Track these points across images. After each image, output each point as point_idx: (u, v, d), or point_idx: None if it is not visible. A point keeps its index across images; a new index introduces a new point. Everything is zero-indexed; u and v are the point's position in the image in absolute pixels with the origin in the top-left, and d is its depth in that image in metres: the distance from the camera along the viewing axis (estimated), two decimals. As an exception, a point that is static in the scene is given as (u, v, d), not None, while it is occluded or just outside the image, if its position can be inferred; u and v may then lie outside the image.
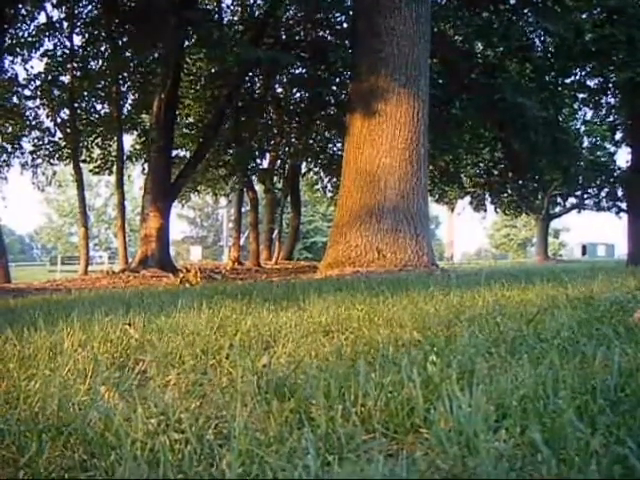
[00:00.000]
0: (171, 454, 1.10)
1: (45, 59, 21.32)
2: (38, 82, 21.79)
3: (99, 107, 23.06)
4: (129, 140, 25.34)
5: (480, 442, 1.02)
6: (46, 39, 21.02)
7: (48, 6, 20.27)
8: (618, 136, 31.38)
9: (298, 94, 23.23)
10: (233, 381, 1.51)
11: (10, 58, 20.81)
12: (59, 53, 21.25)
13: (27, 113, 22.67)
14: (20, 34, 20.43)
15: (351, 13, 15.58)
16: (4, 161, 23.82)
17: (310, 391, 1.34)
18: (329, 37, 20.18)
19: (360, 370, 1.40)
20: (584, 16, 20.28)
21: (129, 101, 22.87)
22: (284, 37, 20.35)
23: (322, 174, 27.99)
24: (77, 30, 20.69)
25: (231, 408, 1.31)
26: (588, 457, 0.98)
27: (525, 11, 19.88)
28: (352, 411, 1.22)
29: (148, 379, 1.68)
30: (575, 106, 27.49)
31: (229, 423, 1.23)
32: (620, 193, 33.67)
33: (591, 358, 1.49)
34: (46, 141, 23.30)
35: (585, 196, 38.30)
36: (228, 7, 22.74)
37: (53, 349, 2.06)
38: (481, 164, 29.53)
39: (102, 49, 21.23)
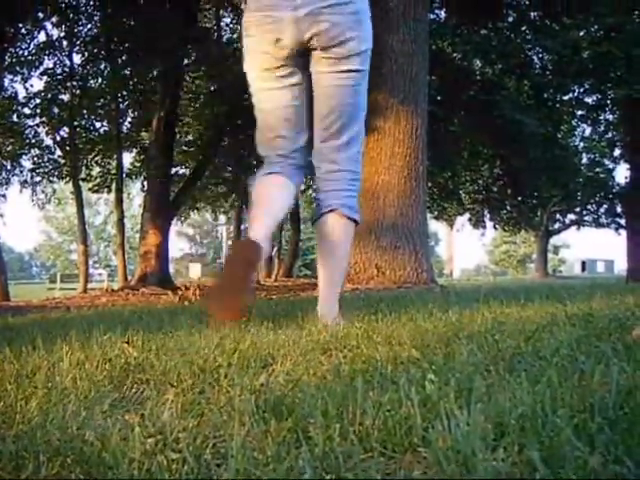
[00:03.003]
0: (168, 474, 1.10)
1: (45, 77, 21.47)
2: (38, 100, 21.90)
3: (98, 125, 23.20)
4: (128, 158, 25.42)
5: (478, 461, 1.02)
6: (46, 58, 21.18)
7: (48, 25, 20.43)
8: (617, 152, 31.50)
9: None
10: (231, 400, 1.50)
11: (10, 76, 20.92)
12: (59, 71, 21.38)
13: (27, 131, 22.76)
14: (20, 53, 20.55)
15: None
16: (3, 179, 23.88)
17: (308, 410, 1.33)
18: (328, 55, 20.24)
19: (358, 389, 1.40)
20: (582, 34, 20.40)
21: (128, 119, 22.98)
22: (283, 55, 20.42)
23: (321, 191, 28.00)
24: (77, 49, 20.83)
25: (229, 427, 1.30)
26: (586, 476, 0.97)
27: (523, 29, 20.01)
28: (350, 430, 1.22)
29: (146, 398, 1.68)
30: (573, 123, 27.61)
31: (227, 442, 1.23)
32: (619, 209, 33.74)
33: (590, 376, 1.48)
34: (46, 159, 23.40)
35: (584, 212, 38.40)
36: (227, 25, 22.87)
37: (51, 368, 2.06)
38: (480, 181, 29.59)
39: (102, 67, 21.35)
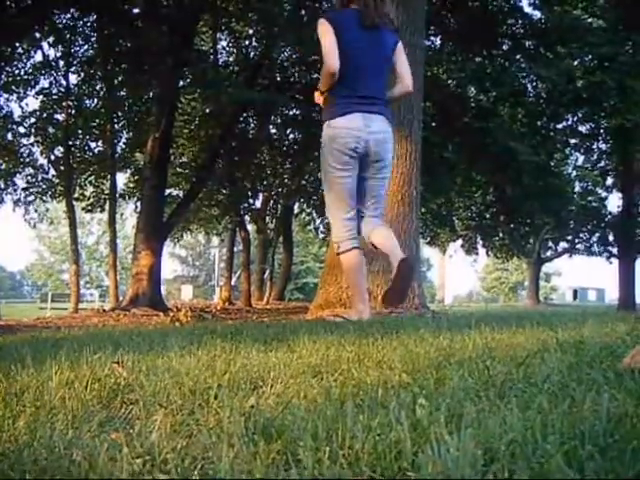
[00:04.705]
0: (156, 495, 1.09)
1: (40, 97, 21.48)
2: (33, 119, 21.89)
3: (93, 145, 23.14)
4: (122, 178, 25.40)
5: (468, 486, 1.01)
6: (42, 77, 21.18)
7: (45, 45, 20.46)
8: (609, 181, 31.60)
9: (292, 135, 23.36)
10: (220, 421, 1.49)
11: (6, 95, 20.93)
12: (54, 91, 21.40)
13: (21, 150, 22.71)
14: (16, 72, 20.57)
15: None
16: (-4, 197, 23.78)
17: (298, 433, 1.33)
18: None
19: (348, 412, 1.39)
20: (576, 63, 20.54)
21: (123, 140, 22.93)
22: (278, 78, 20.49)
23: (315, 215, 27.94)
24: (73, 69, 20.85)
25: (218, 449, 1.29)
26: (576, 503, 0.97)
27: (518, 57, 20.12)
28: (339, 453, 1.21)
29: (135, 418, 1.67)
30: (567, 151, 27.69)
31: (215, 464, 1.22)
32: (611, 238, 33.75)
33: (580, 403, 1.48)
34: (39, 178, 23.32)
35: (576, 240, 38.33)
36: (224, 48, 22.96)
37: (40, 387, 2.05)
38: (473, 207, 29.64)
39: (97, 88, 21.39)
